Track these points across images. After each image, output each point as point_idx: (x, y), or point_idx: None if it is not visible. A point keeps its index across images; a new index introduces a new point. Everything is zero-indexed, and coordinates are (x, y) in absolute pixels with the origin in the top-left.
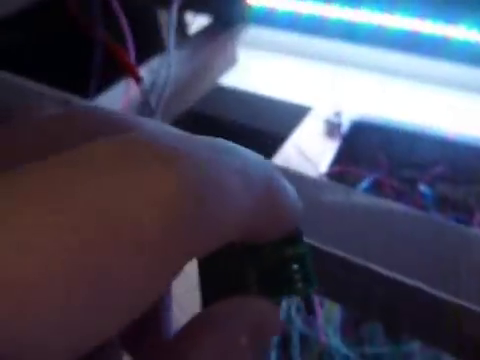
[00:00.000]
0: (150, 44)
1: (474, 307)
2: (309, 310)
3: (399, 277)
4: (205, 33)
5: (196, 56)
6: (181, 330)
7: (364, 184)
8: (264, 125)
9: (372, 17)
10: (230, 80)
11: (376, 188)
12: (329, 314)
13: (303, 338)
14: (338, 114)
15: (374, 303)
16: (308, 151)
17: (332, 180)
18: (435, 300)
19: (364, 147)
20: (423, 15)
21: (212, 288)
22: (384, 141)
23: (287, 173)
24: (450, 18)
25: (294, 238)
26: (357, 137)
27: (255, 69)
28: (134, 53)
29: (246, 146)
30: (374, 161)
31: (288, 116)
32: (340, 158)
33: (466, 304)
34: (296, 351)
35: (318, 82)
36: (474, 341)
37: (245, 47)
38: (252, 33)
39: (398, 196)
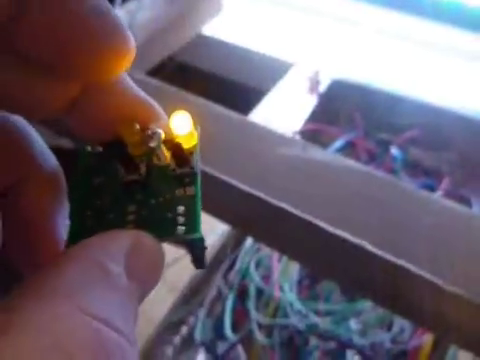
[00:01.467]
0: None
1: (414, 269)
2: (196, 262)
3: (341, 233)
4: None
5: (177, 1)
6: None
7: (337, 144)
8: (245, 78)
9: None
10: (214, 29)
11: (350, 149)
12: (286, 270)
13: (259, 292)
14: (318, 72)
15: (318, 259)
16: (286, 107)
17: (305, 138)
18: (377, 259)
19: (342, 106)
20: None
21: (90, 220)
22: (362, 102)
23: (247, 124)
24: None
25: (188, 179)
26: (335, 96)
27: (240, 18)
28: None
29: (226, 99)
30: (350, 121)
31: (270, 71)
32: (316, 116)
33: (407, 265)
34: (252, 304)
35: (304, 36)
36: (407, 299)
37: None
38: None
39: (371, 158)
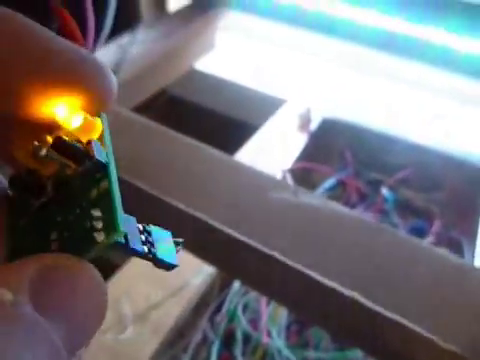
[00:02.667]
0: (129, 19)
1: (406, 323)
2: (156, 265)
3: (331, 284)
4: (183, 13)
5: (171, 36)
6: None
7: (328, 183)
8: (237, 114)
9: (352, 12)
10: (206, 65)
11: (340, 188)
12: (275, 314)
13: (247, 338)
14: (309, 109)
15: (307, 307)
16: (277, 145)
17: (295, 176)
18: (366, 311)
19: (333, 145)
20: (402, 15)
21: (18, 246)
22: (353, 141)
23: (240, 167)
24: (429, 20)
25: (97, 175)
26: (326, 134)
27: (232, 54)
28: (93, 26)
29: (217, 133)
30: (341, 160)
31: (262, 107)
32: (307, 154)
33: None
34: (238, 350)
35: (296, 74)
36: (400, 354)
37: (224, 32)
38: (232, 18)
39: (361, 197)
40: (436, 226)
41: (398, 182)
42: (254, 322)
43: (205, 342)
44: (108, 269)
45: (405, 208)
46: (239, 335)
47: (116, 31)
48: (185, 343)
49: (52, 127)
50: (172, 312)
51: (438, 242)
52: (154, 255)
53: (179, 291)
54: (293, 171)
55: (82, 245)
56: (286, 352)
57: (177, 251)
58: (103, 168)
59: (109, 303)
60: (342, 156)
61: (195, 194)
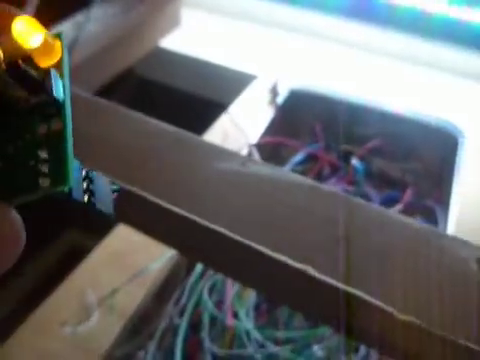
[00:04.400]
0: None
1: (361, 294)
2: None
3: (282, 258)
4: None
5: (132, 12)
6: None
7: (298, 157)
8: (206, 92)
9: None
10: (173, 42)
11: (312, 162)
12: (242, 295)
13: (215, 321)
14: (277, 82)
15: (265, 285)
16: (248, 121)
17: (264, 151)
18: (322, 285)
19: (301, 118)
20: None
21: None
22: (323, 112)
23: (186, 139)
24: None
25: (51, 111)
26: (294, 107)
27: (199, 32)
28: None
29: (187, 113)
30: (311, 133)
31: (232, 84)
32: (276, 129)
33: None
34: (206, 334)
35: (265, 48)
36: (359, 326)
37: (189, 8)
38: None
39: (333, 171)
40: (408, 195)
41: (370, 152)
42: (221, 304)
43: (171, 327)
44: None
45: (379, 178)
46: (206, 318)
47: (74, 9)
48: (151, 329)
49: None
50: (136, 298)
51: (410, 211)
52: (93, 205)
53: (143, 276)
54: (261, 146)
55: (21, 185)
56: (255, 333)
57: (113, 199)
58: (59, 106)
59: (73, 292)
60: (312, 129)
61: (137, 170)
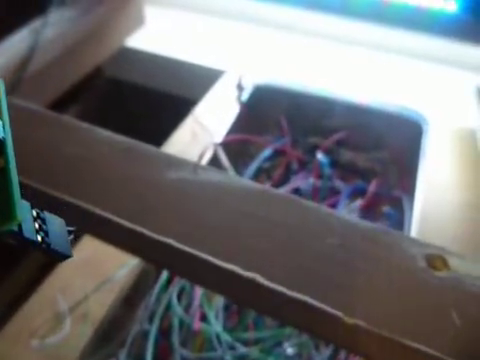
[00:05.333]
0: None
1: (311, 301)
2: (48, 253)
3: (231, 267)
4: None
5: (91, 14)
6: None
7: (265, 153)
8: (174, 89)
9: None
10: (138, 41)
11: (279, 157)
12: (210, 298)
13: (185, 325)
14: (242, 78)
15: (222, 292)
16: (213, 118)
17: (231, 149)
18: (271, 292)
19: (267, 113)
20: None
21: None
22: (288, 106)
23: (136, 149)
24: None
25: None
26: (260, 102)
27: (164, 29)
28: None
29: (155, 111)
30: (278, 128)
31: (200, 80)
32: (242, 125)
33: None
34: (176, 338)
35: (230, 43)
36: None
37: (152, 6)
38: None
39: (301, 165)
40: (373, 185)
41: (336, 144)
42: (191, 308)
43: (142, 333)
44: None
45: (347, 170)
46: (176, 323)
47: (31, 15)
48: (122, 336)
49: None
50: (106, 304)
51: (377, 201)
52: (48, 246)
53: (112, 282)
54: (227, 144)
55: None
56: (224, 335)
57: (70, 240)
58: (2, 143)
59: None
60: (278, 123)
61: (86, 183)
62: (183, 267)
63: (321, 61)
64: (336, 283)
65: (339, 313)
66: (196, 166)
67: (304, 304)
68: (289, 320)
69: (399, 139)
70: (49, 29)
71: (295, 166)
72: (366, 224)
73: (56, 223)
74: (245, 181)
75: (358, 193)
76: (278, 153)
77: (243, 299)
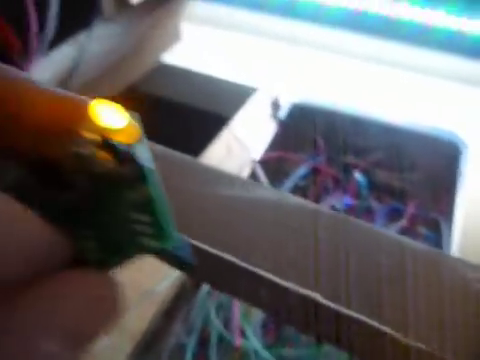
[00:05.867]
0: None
1: (366, 319)
2: (182, 268)
3: (289, 285)
4: (145, 5)
5: (133, 30)
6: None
7: (301, 171)
8: (208, 106)
9: None
10: (174, 57)
11: (314, 175)
12: (249, 313)
13: (223, 339)
14: (279, 96)
15: (272, 309)
16: (250, 135)
17: (267, 167)
18: (328, 310)
19: (303, 131)
20: None
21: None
22: (324, 126)
23: (188, 165)
24: None
25: (138, 178)
26: (296, 121)
27: (199, 46)
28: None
29: (189, 127)
30: (314, 146)
31: (233, 97)
32: (278, 143)
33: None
34: (213, 353)
35: (265, 61)
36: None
37: (189, 22)
38: (196, 7)
39: (336, 184)
40: (411, 207)
41: (371, 165)
42: (229, 322)
43: (179, 347)
44: None
45: (382, 190)
46: (214, 337)
47: (76, 29)
48: (160, 348)
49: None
50: (146, 317)
51: (415, 223)
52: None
53: (152, 296)
54: (265, 162)
55: (127, 248)
56: (263, 352)
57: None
58: (149, 173)
59: None
60: (314, 142)
61: None
62: (241, 281)
63: (358, 81)
64: (392, 303)
65: (397, 334)
66: (246, 183)
67: (359, 323)
68: (342, 340)
69: (435, 160)
70: (94, 44)
71: (330, 184)
72: (419, 245)
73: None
74: (296, 199)
75: (393, 214)
76: (313, 171)
77: (298, 317)
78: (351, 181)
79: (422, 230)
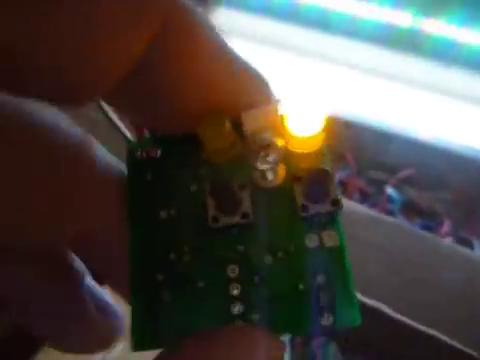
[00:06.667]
0: None
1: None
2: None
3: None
4: None
5: None
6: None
7: None
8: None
9: (349, 6)
10: None
11: (342, 188)
12: None
13: None
14: None
15: None
16: None
17: None
18: (394, 322)
19: (333, 145)
20: (400, 8)
21: (160, 282)
22: (353, 140)
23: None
24: (428, 13)
25: (325, 219)
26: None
27: None
28: None
29: None
30: (342, 160)
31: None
32: None
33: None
34: None
35: (292, 74)
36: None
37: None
38: (222, 16)
39: (363, 198)
40: (446, 226)
41: (402, 181)
42: None
43: None
44: None
45: (410, 208)
46: None
47: None
48: None
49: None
50: None
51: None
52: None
53: None
54: None
55: (290, 320)
56: None
57: None
58: (336, 214)
59: None
60: (343, 156)
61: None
62: None
63: (387, 98)
64: (465, 319)
65: (474, 353)
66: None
67: (432, 339)
68: (413, 354)
69: (465, 179)
70: None
71: (356, 199)
72: None
73: None
74: (359, 207)
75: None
76: (341, 184)
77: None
78: (379, 196)
79: None
